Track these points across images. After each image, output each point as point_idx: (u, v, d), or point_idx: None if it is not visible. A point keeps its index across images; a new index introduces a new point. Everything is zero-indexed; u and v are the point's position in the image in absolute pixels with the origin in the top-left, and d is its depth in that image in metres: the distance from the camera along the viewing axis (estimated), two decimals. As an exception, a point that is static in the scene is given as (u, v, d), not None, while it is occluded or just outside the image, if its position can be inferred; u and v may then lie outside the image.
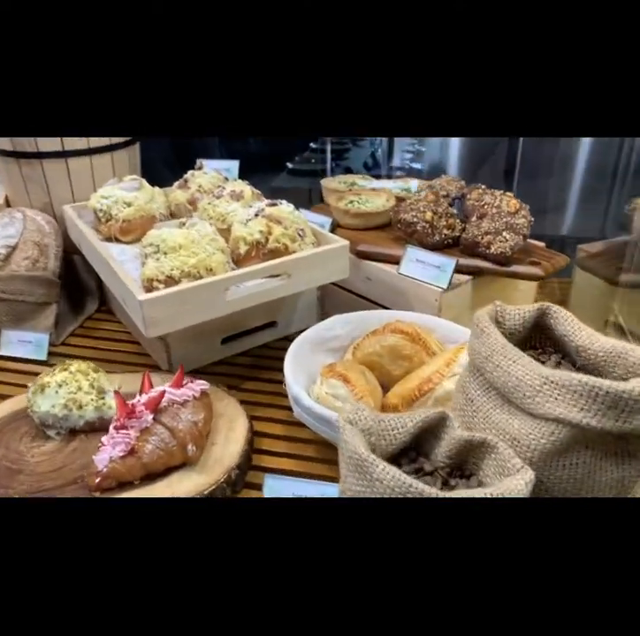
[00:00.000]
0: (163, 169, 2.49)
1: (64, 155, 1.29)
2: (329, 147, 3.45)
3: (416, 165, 3.54)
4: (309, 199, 3.33)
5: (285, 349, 1.21)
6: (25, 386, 1.12)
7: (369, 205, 1.31)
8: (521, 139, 3.05)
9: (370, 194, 1.38)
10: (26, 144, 1.27)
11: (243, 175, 1.55)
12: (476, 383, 0.65)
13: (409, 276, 1.11)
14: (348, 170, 3.32)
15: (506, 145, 3.13)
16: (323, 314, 1.32)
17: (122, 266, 1.06)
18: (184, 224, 1.06)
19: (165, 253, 1.00)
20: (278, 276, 1.04)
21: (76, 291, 1.38)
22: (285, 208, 1.11)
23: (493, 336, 0.63)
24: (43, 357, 1.18)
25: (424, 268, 1.09)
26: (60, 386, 0.90)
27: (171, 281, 0.98)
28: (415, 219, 1.14)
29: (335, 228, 1.33)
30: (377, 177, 3.69)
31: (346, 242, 1.10)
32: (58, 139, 1.27)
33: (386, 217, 1.30)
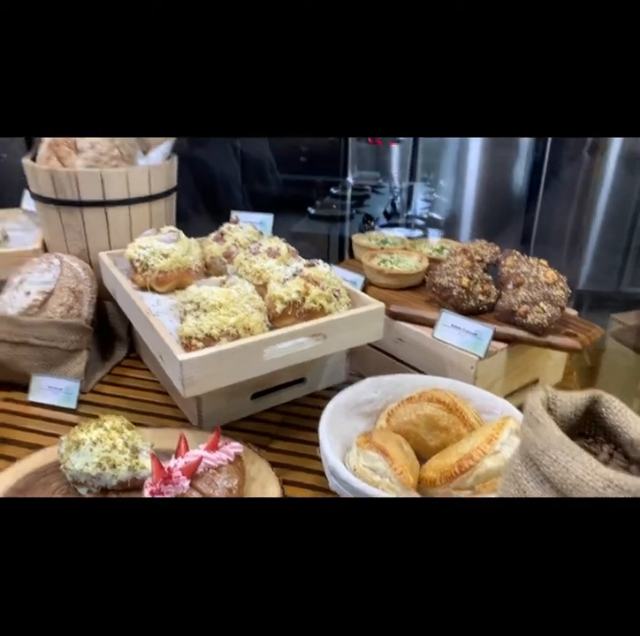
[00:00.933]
0: (189, 211, 2.53)
1: (104, 204, 1.31)
2: (349, 194, 3.51)
3: (434, 214, 3.59)
4: (328, 244, 3.38)
5: (314, 406, 1.22)
6: (53, 435, 1.12)
7: (401, 265, 1.32)
8: (541, 189, 3.10)
9: (402, 253, 1.39)
10: (68, 192, 1.29)
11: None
12: (530, 474, 0.64)
13: (444, 342, 1.11)
14: (368, 218, 3.37)
15: (526, 193, 3.18)
16: (352, 372, 1.32)
17: (158, 318, 1.07)
18: (224, 283, 1.07)
19: (205, 311, 1.01)
20: (313, 336, 1.04)
21: (106, 337, 1.39)
22: (322, 268, 1.12)
23: (549, 428, 0.62)
24: (73, 405, 1.18)
25: (460, 334, 1.09)
26: (95, 444, 0.89)
27: (209, 339, 0.98)
28: (451, 284, 1.14)
29: (367, 286, 1.33)
30: (396, 225, 3.74)
31: (382, 304, 1.10)
32: (100, 188, 1.29)
33: (419, 278, 1.31)
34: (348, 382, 1.26)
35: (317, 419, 0.96)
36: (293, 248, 1.30)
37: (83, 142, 1.29)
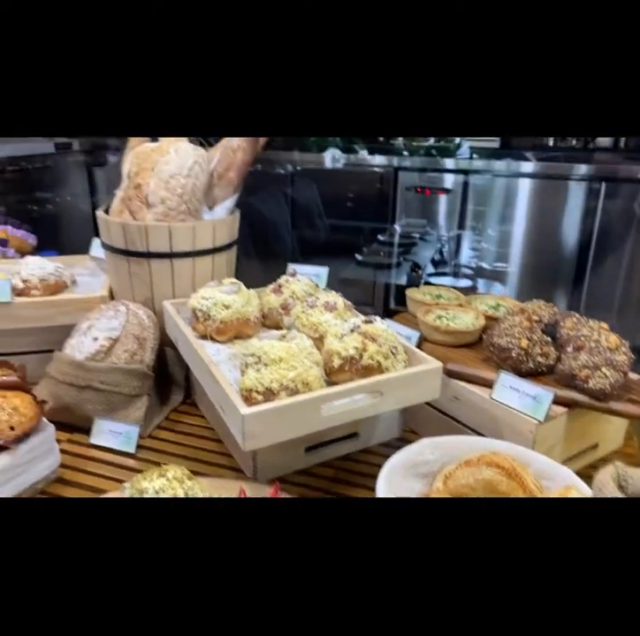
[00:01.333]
0: (241, 256, 2.64)
1: (170, 255, 1.38)
2: (396, 241, 3.55)
3: (483, 264, 3.59)
4: (374, 290, 3.41)
5: (367, 462, 1.21)
6: (111, 479, 1.15)
7: (458, 322, 1.33)
8: (594, 241, 3.08)
9: (458, 310, 1.39)
10: (138, 244, 1.36)
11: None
12: (603, 555, 0.62)
13: (503, 403, 1.10)
14: (416, 266, 3.39)
15: (577, 244, 3.15)
16: (405, 428, 1.31)
17: (219, 368, 1.10)
18: (284, 337, 1.10)
19: (266, 365, 1.03)
20: (370, 393, 1.05)
21: (164, 382, 1.43)
22: (379, 325, 1.14)
23: (623, 508, 0.61)
24: (132, 450, 1.21)
25: (519, 396, 1.08)
26: (157, 493, 0.91)
27: (269, 393, 1.01)
28: (509, 345, 1.14)
29: (422, 342, 1.34)
30: (443, 274, 3.74)
31: (440, 364, 1.10)
32: (167, 241, 1.36)
33: (476, 336, 1.31)
34: (401, 439, 1.26)
35: (370, 475, 0.96)
36: (349, 302, 1.33)
37: (154, 198, 1.37)
